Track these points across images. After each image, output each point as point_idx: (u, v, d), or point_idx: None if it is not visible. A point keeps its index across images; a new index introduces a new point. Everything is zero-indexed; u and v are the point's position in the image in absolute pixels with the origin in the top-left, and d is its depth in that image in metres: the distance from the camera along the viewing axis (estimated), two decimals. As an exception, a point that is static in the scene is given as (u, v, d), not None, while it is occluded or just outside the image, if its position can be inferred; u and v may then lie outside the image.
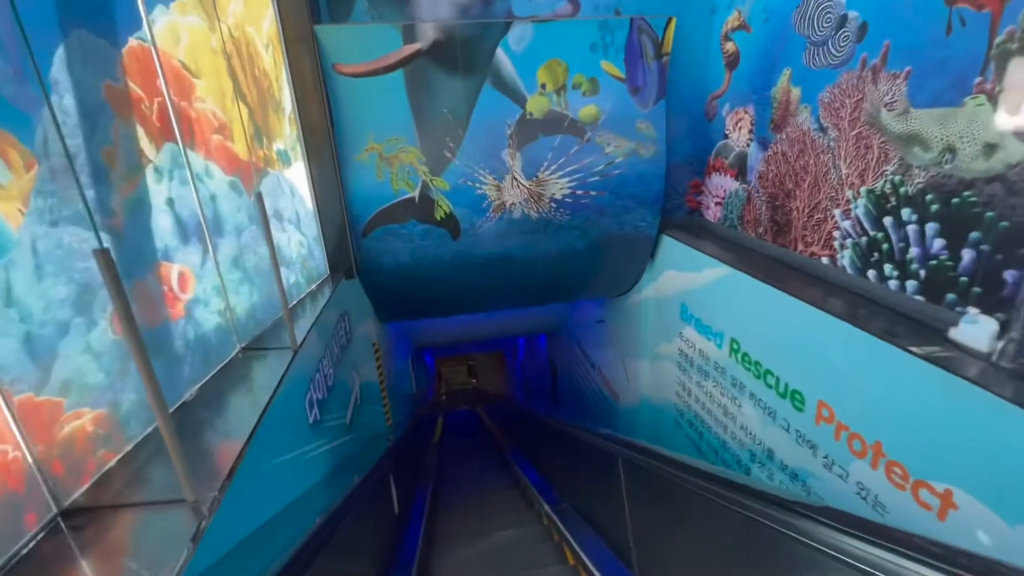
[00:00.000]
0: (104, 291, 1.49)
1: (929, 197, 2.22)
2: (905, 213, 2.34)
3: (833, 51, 2.67)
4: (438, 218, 3.88)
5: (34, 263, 1.36)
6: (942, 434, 1.97)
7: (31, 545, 1.28)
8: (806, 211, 3.01)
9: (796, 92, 2.99)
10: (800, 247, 3.10)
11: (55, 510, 1.39)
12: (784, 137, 3.13)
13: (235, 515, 1.58)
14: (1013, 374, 1.86)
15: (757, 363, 3.11)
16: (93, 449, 1.54)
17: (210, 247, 2.20)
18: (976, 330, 2.01)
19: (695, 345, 3.89)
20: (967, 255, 2.07)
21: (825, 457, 2.59)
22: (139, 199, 1.80)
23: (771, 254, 3.37)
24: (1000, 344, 1.92)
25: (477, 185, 3.81)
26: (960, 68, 2.03)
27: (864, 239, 2.60)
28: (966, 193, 2.06)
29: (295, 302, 3.08)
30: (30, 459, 1.31)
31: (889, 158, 2.40)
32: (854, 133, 2.59)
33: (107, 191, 1.65)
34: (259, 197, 2.23)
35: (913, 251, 2.32)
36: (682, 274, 4.03)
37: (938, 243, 2.20)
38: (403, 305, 4.70)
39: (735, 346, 3.35)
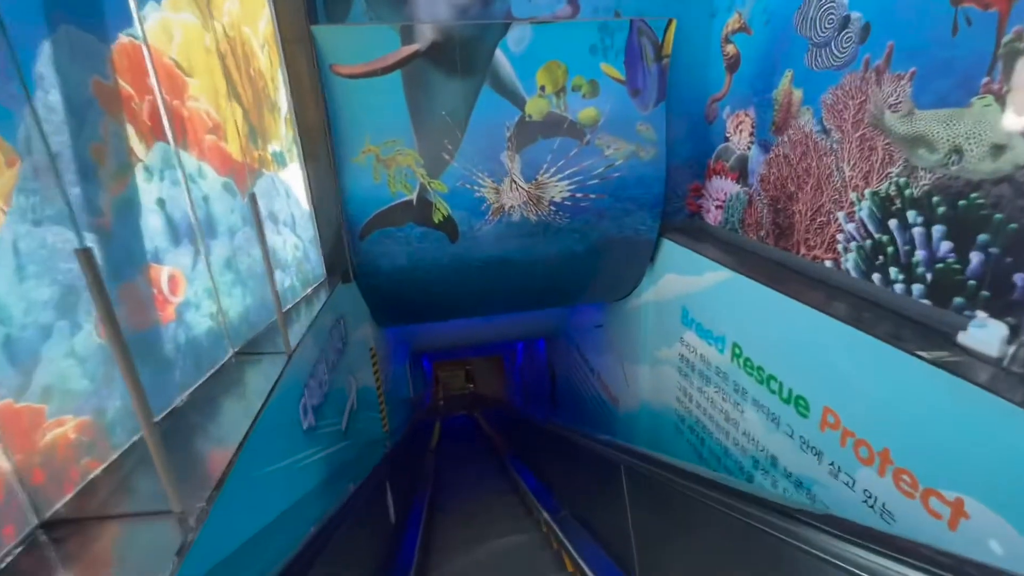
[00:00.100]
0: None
1: (935, 199, 2.18)
2: (911, 215, 2.30)
3: (836, 52, 2.65)
4: (436, 221, 3.84)
5: (15, 263, 1.30)
6: (952, 441, 1.93)
7: (8, 559, 1.22)
8: (809, 214, 2.98)
9: (798, 94, 2.96)
10: (803, 250, 3.06)
11: (35, 522, 1.33)
12: (786, 139, 3.10)
13: (224, 526, 1.52)
14: (1025, 379, 1.82)
15: (760, 368, 3.07)
16: (76, 457, 1.48)
17: (202, 249, 2.15)
18: (986, 334, 1.97)
19: (696, 350, 3.85)
20: (975, 258, 2.04)
21: (831, 464, 2.54)
22: (128, 199, 1.75)
23: (773, 257, 3.33)
24: (1011, 349, 1.88)
25: (475, 188, 3.77)
26: (966, 68, 2.00)
27: (868, 242, 2.56)
28: (973, 195, 2.03)
29: (290, 306, 3.02)
30: (9, 468, 1.25)
31: (894, 160, 2.37)
32: (858, 135, 2.56)
33: (95, 190, 1.60)
34: (253, 198, 2.18)
35: (919, 254, 2.29)
36: (682, 278, 3.99)
37: (945, 246, 2.17)
38: (401, 309, 4.65)
39: (737, 351, 3.31)
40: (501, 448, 7.42)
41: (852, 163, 2.62)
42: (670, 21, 3.60)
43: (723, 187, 3.88)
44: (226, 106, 2.41)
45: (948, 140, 2.10)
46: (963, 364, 1.94)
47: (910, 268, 2.35)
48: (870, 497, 2.32)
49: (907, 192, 2.31)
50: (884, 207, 2.44)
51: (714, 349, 3.58)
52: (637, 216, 4.10)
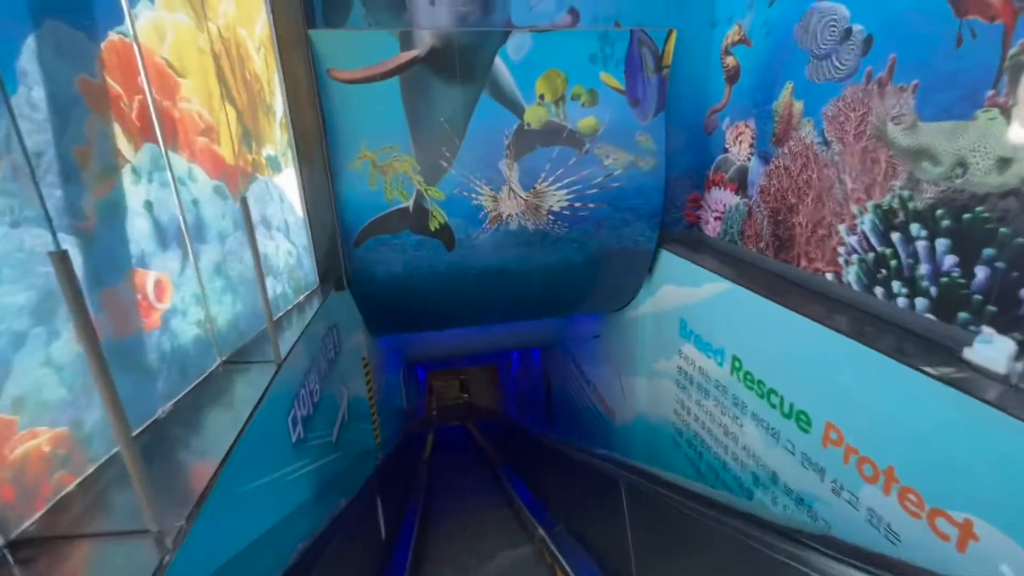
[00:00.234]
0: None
1: (939, 212, 2.15)
2: (914, 228, 2.28)
3: (837, 64, 2.63)
4: (432, 229, 3.79)
5: (-11, 267, 1.24)
6: (960, 460, 1.88)
7: (-31, 582, 1.15)
8: (809, 226, 2.95)
9: (799, 106, 2.95)
10: (803, 263, 3.03)
11: (1, 541, 1.25)
12: (786, 151, 3.08)
13: (205, 545, 1.44)
14: (1034, 397, 1.78)
15: (760, 382, 3.02)
16: (49, 472, 1.40)
17: (191, 254, 2.08)
18: (992, 350, 1.93)
19: (695, 362, 3.80)
20: (981, 272, 2.00)
21: (833, 481, 2.48)
22: (114, 201, 1.69)
23: (773, 269, 3.29)
24: (1020, 366, 1.84)
25: (473, 196, 3.73)
26: (971, 81, 1.98)
27: (871, 255, 2.53)
28: (979, 208, 2.00)
29: (281, 314, 2.95)
30: (-27, 484, 1.18)
31: (897, 172, 2.34)
32: (860, 147, 2.54)
33: (78, 191, 1.54)
34: (244, 202, 2.12)
35: (923, 268, 2.26)
36: (681, 289, 3.95)
37: (949, 260, 2.13)
38: (396, 318, 4.58)
39: (737, 364, 3.26)
40: (495, 460, 7.31)
41: (854, 175, 2.59)
42: (670, 32, 3.59)
43: (722, 198, 3.86)
44: (219, 108, 2.36)
45: (952, 153, 2.07)
46: (970, 381, 1.90)
47: (913, 282, 2.31)
48: (874, 516, 2.26)
49: (910, 205, 2.29)
50: (887, 220, 2.41)
51: (713, 362, 3.54)
52: (636, 226, 4.07)
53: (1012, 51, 1.84)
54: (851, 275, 2.67)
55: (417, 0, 3.43)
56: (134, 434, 1.70)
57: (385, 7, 3.42)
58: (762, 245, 3.43)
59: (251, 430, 1.85)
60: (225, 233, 2.35)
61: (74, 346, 1.47)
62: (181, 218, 2.03)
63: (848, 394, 2.39)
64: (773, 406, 2.91)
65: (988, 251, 1.97)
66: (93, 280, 1.57)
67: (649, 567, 2.53)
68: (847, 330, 2.40)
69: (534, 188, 3.79)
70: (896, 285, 2.40)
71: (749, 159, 3.49)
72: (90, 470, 1.54)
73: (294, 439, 2.36)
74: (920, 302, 2.29)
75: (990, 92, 1.91)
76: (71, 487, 1.47)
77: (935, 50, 2.12)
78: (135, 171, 1.79)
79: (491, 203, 3.77)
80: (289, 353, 2.40)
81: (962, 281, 2.09)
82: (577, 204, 3.89)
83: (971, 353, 2.01)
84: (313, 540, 2.22)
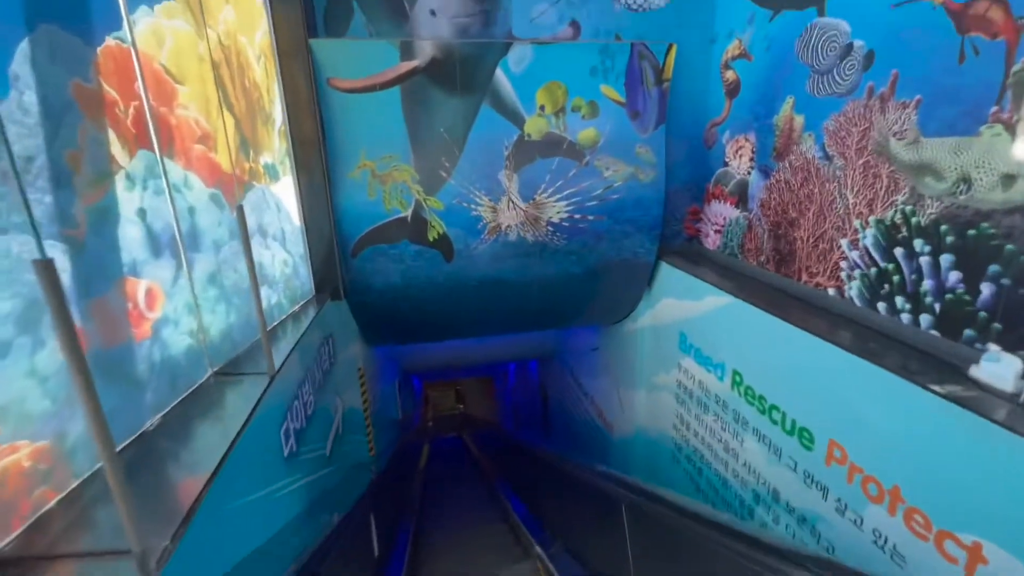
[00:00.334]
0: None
1: (943, 228, 2.14)
2: (917, 244, 2.26)
3: (838, 80, 2.64)
4: (431, 239, 3.76)
5: (-28, 274, 1.20)
6: (968, 481, 1.84)
7: (-61, 607, 1.09)
8: (811, 240, 2.93)
9: (799, 120, 2.95)
10: (804, 277, 3.01)
11: (-25, 562, 1.20)
12: (787, 165, 3.07)
13: (190, 566, 1.38)
14: (1044, 417, 1.74)
15: (761, 397, 2.98)
16: (29, 488, 1.35)
17: (184, 262, 2.04)
18: (999, 368, 1.90)
19: (694, 376, 3.75)
20: (986, 289, 1.98)
21: (837, 501, 2.43)
22: (106, 208, 1.65)
23: (774, 283, 3.27)
24: (1028, 384, 1.81)
25: (472, 206, 3.71)
26: (975, 97, 1.97)
27: (873, 270, 2.51)
28: (983, 224, 1.98)
29: (276, 323, 2.90)
30: (-53, 502, 1.13)
31: (899, 187, 2.33)
32: (861, 162, 2.53)
33: (69, 197, 1.50)
34: (240, 210, 2.09)
35: (927, 283, 2.23)
36: (681, 302, 3.92)
37: (954, 276, 2.11)
38: (393, 328, 4.53)
39: (737, 379, 3.22)
40: (490, 473, 7.21)
41: (856, 190, 2.58)
42: (670, 46, 3.61)
43: (722, 211, 3.85)
44: (217, 116, 2.34)
45: (956, 169, 2.06)
46: (978, 399, 1.86)
47: (917, 298, 2.29)
48: (880, 537, 2.21)
49: (913, 220, 2.27)
50: (889, 235, 2.40)
51: (713, 376, 3.49)
52: (635, 239, 4.05)
53: (1015, 68, 1.83)
54: (853, 290, 2.64)
55: (418, 11, 3.43)
56: (120, 448, 1.65)
57: (386, 17, 3.42)
58: (762, 259, 3.41)
59: (242, 444, 1.79)
60: (220, 242, 2.32)
61: (59, 356, 1.42)
62: (175, 226, 1.99)
63: (852, 411, 2.35)
64: (775, 422, 2.87)
65: (994, 268, 1.94)
66: (82, 288, 1.53)
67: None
68: (850, 346, 2.37)
69: (534, 199, 3.77)
70: (900, 301, 2.38)
71: (749, 172, 3.48)
72: (73, 485, 1.48)
73: (286, 453, 2.30)
74: (924, 318, 2.26)
75: (994, 108, 1.91)
76: (52, 504, 1.41)
77: (937, 66, 2.12)
78: (129, 178, 1.75)
79: (490, 214, 3.75)
80: (283, 364, 2.35)
81: (967, 298, 2.06)
82: (577, 216, 3.87)
83: (978, 371, 1.98)
84: (305, 560, 2.15)
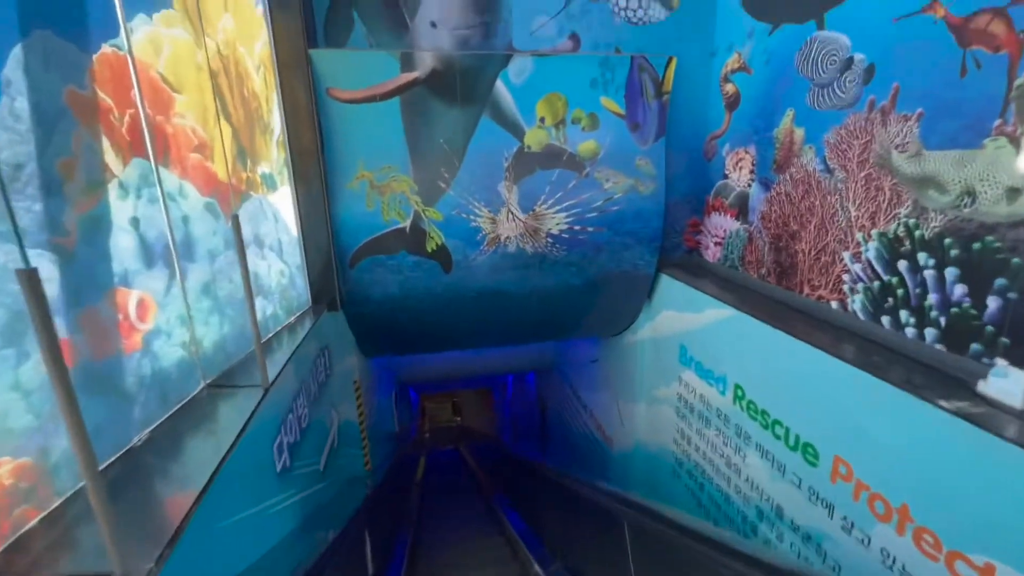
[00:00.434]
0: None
1: (947, 241, 2.12)
2: (921, 257, 2.23)
3: (839, 93, 2.63)
4: (429, 250, 3.73)
5: (-46, 284, 1.16)
6: (979, 500, 1.79)
7: (-93, 634, 1.03)
8: (812, 253, 2.91)
9: (800, 133, 2.94)
10: (806, 290, 2.98)
11: (-51, 585, 1.14)
12: (788, 178, 3.06)
13: (176, 589, 1.33)
14: (1055, 434, 1.70)
15: (764, 412, 2.93)
16: (10, 507, 1.29)
17: (178, 273, 2.00)
18: (1008, 384, 1.86)
19: (695, 390, 3.71)
20: (993, 303, 1.95)
21: (843, 518, 2.38)
22: (98, 217, 1.62)
23: (775, 296, 3.24)
24: (1038, 401, 1.77)
25: (471, 217, 3.69)
26: (977, 110, 1.96)
27: (876, 283, 2.48)
28: (988, 238, 1.96)
29: (271, 335, 2.86)
30: (-79, 523, 1.07)
31: (902, 200, 2.31)
32: (863, 175, 2.52)
33: (60, 205, 1.47)
34: (236, 220, 2.05)
35: (931, 297, 2.20)
36: (681, 315, 3.89)
37: (959, 289, 2.08)
38: (390, 339, 4.48)
39: (739, 392, 3.17)
40: (487, 487, 7.11)
41: (858, 203, 2.56)
42: (670, 59, 3.62)
43: (722, 224, 3.84)
44: (215, 125, 2.32)
45: (960, 182, 2.05)
46: (987, 415, 1.83)
47: (922, 311, 2.26)
48: (888, 557, 2.16)
49: (917, 233, 2.25)
50: (892, 248, 2.37)
51: (715, 390, 3.45)
52: (635, 250, 4.03)
53: (1019, 81, 1.82)
54: (856, 303, 2.61)
55: (419, 22, 3.44)
56: (105, 464, 1.60)
57: (387, 28, 3.42)
58: (763, 271, 3.38)
59: (233, 459, 1.74)
60: (215, 251, 2.28)
61: (43, 369, 1.38)
62: (169, 235, 1.96)
63: (858, 427, 2.31)
64: (778, 437, 2.82)
65: (1000, 281, 1.92)
66: (71, 298, 1.48)
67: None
68: (855, 360, 2.34)
69: (533, 211, 3.75)
70: (904, 315, 2.35)
71: (750, 185, 3.47)
72: (56, 504, 1.43)
73: (279, 468, 2.25)
74: (929, 332, 2.23)
75: (997, 121, 1.89)
76: (33, 523, 1.35)
77: (939, 80, 2.11)
78: (122, 186, 1.72)
79: (489, 225, 3.73)
80: (277, 377, 2.30)
81: (973, 312, 2.03)
82: (576, 227, 3.85)
83: (985, 386, 1.94)
84: (296, 578, 2.09)
